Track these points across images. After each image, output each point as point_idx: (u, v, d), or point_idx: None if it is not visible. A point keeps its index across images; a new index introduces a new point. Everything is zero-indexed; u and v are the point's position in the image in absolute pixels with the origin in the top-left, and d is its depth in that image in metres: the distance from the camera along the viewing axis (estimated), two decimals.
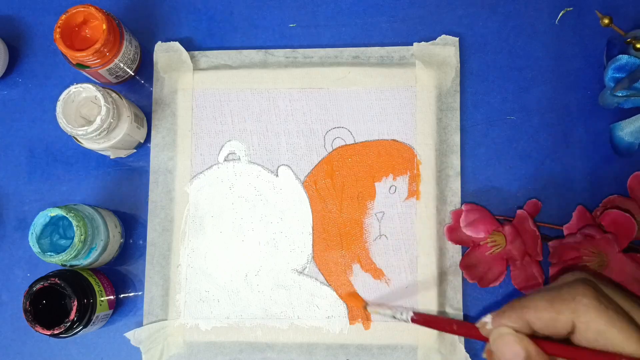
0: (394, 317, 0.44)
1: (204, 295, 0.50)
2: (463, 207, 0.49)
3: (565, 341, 0.34)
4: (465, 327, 0.39)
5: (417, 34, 0.53)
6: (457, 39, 0.52)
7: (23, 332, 0.51)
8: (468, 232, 0.48)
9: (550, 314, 0.33)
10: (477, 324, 0.36)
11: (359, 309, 0.49)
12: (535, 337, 0.34)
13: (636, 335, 0.31)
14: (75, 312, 0.45)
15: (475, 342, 0.49)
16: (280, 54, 0.53)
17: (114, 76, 0.51)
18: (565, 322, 0.33)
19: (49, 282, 0.45)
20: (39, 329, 0.45)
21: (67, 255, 0.45)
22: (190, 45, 0.53)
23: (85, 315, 0.46)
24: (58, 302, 0.46)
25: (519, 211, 0.48)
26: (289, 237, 0.51)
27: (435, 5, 0.53)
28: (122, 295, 0.52)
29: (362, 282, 0.50)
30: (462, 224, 0.48)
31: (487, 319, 0.36)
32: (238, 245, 0.51)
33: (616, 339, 0.31)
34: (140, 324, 0.50)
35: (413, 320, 0.43)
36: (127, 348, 0.50)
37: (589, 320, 0.32)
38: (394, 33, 0.53)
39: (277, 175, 0.51)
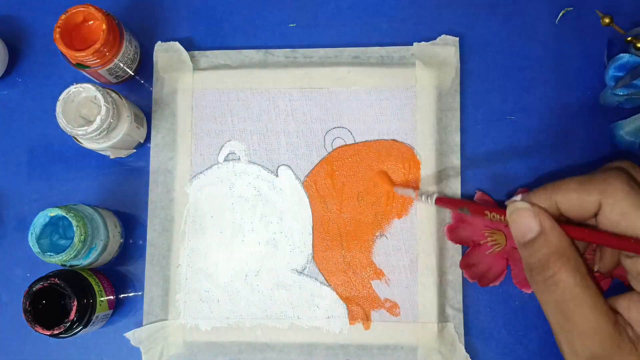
0: (421, 197, 0.46)
1: (204, 295, 0.50)
2: (477, 193, 0.50)
3: (588, 227, 0.33)
4: (492, 208, 0.38)
5: (417, 34, 0.53)
6: (457, 39, 0.52)
7: (23, 332, 0.51)
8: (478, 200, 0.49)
9: (579, 194, 0.32)
10: (507, 202, 0.35)
11: (385, 186, 0.50)
12: (558, 220, 0.33)
13: None
14: (75, 312, 0.45)
15: (476, 342, 0.49)
16: (280, 54, 0.53)
17: (114, 76, 0.51)
18: (592, 202, 0.32)
19: (48, 282, 0.45)
20: (38, 329, 0.45)
21: (67, 255, 0.45)
22: (190, 45, 0.53)
23: (85, 315, 0.46)
24: (58, 302, 0.46)
25: None
26: (289, 237, 0.51)
27: (435, 5, 0.53)
28: (122, 295, 0.52)
29: (362, 282, 0.50)
30: (476, 197, 0.49)
31: (517, 197, 0.35)
32: (238, 245, 0.51)
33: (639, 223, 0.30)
34: (140, 324, 0.50)
35: (437, 203, 0.45)
36: (127, 348, 0.50)
37: (615, 202, 0.31)
38: (394, 33, 0.53)
39: (277, 175, 0.51)
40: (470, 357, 0.48)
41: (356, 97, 0.51)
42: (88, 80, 0.52)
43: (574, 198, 0.32)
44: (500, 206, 0.50)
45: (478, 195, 0.50)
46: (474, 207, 0.40)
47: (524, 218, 0.33)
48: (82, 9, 0.47)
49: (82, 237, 0.45)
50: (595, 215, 0.33)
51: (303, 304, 0.50)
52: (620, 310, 0.32)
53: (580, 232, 0.32)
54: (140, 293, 0.51)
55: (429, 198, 0.46)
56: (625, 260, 0.33)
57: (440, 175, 0.51)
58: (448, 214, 0.50)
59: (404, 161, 0.51)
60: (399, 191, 0.49)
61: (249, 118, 0.52)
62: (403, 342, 0.49)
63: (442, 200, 0.45)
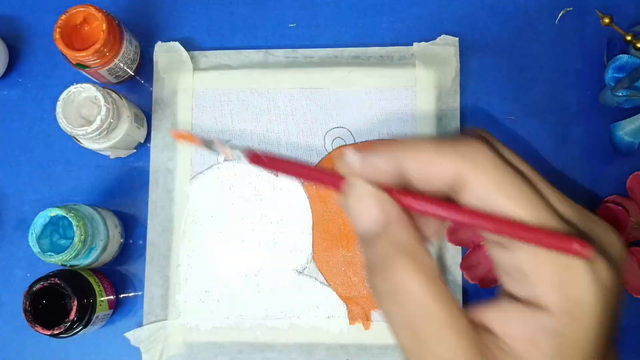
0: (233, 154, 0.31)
1: (204, 295, 0.50)
2: None
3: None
4: (317, 173, 0.29)
5: (417, 34, 0.53)
6: (457, 39, 0.52)
7: (23, 332, 0.51)
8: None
9: (432, 156, 0.24)
10: (336, 156, 0.27)
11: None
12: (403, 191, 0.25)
13: (533, 198, 0.23)
14: (75, 312, 0.45)
15: None
16: (280, 54, 0.53)
17: (114, 76, 0.51)
18: (448, 167, 0.23)
19: (48, 282, 0.45)
20: (38, 329, 0.45)
21: (67, 255, 0.45)
22: (190, 45, 0.53)
23: (85, 315, 0.46)
24: (58, 302, 0.46)
25: None
26: (289, 237, 0.51)
27: (435, 5, 0.53)
28: (122, 295, 0.52)
29: (362, 282, 0.50)
30: None
31: (351, 153, 0.26)
32: (238, 245, 0.51)
33: (509, 198, 0.22)
34: (140, 324, 0.50)
35: (252, 161, 0.30)
36: (127, 348, 0.50)
37: (482, 173, 0.23)
38: (394, 33, 0.53)
39: (277, 175, 0.51)
40: None
41: (356, 97, 0.51)
42: (88, 80, 0.52)
43: (426, 161, 0.24)
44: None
45: None
46: (294, 170, 0.29)
47: (366, 206, 0.25)
48: (82, 9, 0.47)
49: (82, 237, 0.45)
50: (452, 190, 0.24)
51: (303, 304, 0.50)
52: (488, 324, 0.24)
53: (434, 206, 0.24)
54: (140, 293, 0.51)
55: (237, 155, 0.30)
56: (495, 250, 0.25)
57: None
58: None
59: None
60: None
61: (249, 118, 0.52)
62: None
63: (255, 160, 0.29)
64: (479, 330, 0.24)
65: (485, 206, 0.23)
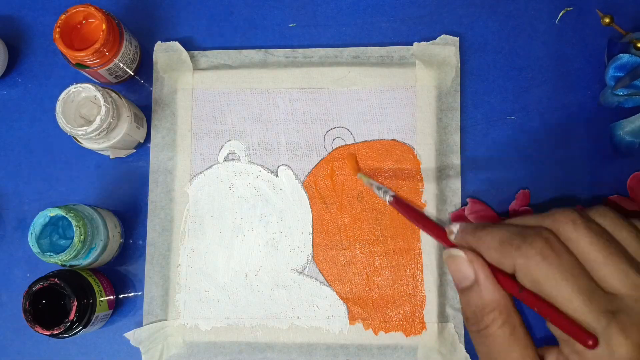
0: (378, 191, 0.44)
1: (204, 295, 0.50)
2: (468, 200, 0.49)
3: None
4: (434, 228, 0.36)
5: (417, 34, 0.53)
6: (457, 38, 0.52)
7: (23, 332, 0.51)
8: (472, 220, 0.48)
9: (497, 255, 0.31)
10: (446, 229, 0.35)
11: (350, 169, 0.49)
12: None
13: (571, 290, 0.29)
14: (75, 312, 0.45)
15: None
16: (280, 53, 0.53)
17: (114, 76, 0.51)
18: (508, 266, 0.31)
19: (48, 282, 0.45)
20: (38, 329, 0.45)
21: (67, 256, 0.45)
22: (190, 45, 0.53)
23: (85, 316, 0.46)
24: (58, 302, 0.46)
25: (521, 209, 0.48)
26: (289, 237, 0.51)
27: (435, 5, 0.53)
28: (121, 295, 0.52)
29: (362, 282, 0.50)
30: (467, 212, 0.48)
31: (455, 228, 0.34)
32: (238, 245, 0.51)
33: (552, 289, 0.29)
34: (140, 324, 0.50)
35: (391, 203, 0.42)
36: (127, 348, 0.50)
37: (525, 271, 0.30)
38: (394, 33, 0.53)
39: (277, 175, 0.51)
40: (470, 357, 0.48)
41: (356, 97, 0.51)
42: (88, 80, 0.52)
43: (494, 257, 0.31)
44: (505, 214, 0.50)
45: (470, 202, 0.49)
46: (424, 224, 0.37)
47: (460, 265, 0.32)
48: (82, 8, 0.47)
49: (82, 237, 0.45)
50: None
51: (303, 304, 0.50)
52: None
53: (510, 286, 0.31)
54: (140, 293, 0.51)
55: (386, 195, 0.43)
56: (550, 324, 0.31)
57: (440, 175, 0.51)
58: (448, 214, 0.50)
59: (404, 161, 0.51)
60: (361, 177, 0.48)
61: (248, 118, 0.52)
62: (403, 342, 0.49)
63: (399, 203, 0.42)
64: None
65: (534, 289, 0.30)
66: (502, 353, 0.31)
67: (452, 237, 0.34)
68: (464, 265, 0.32)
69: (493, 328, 0.31)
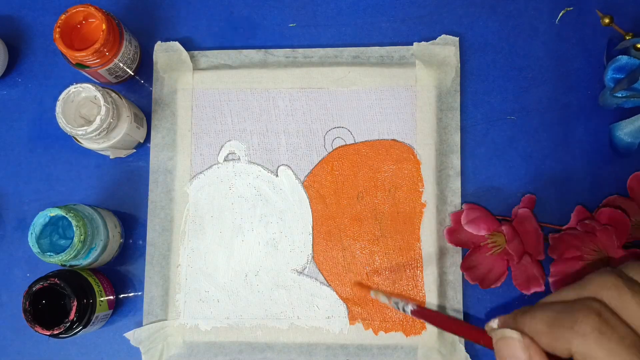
0: (396, 306, 0.44)
1: (204, 295, 0.50)
2: (464, 207, 0.49)
3: None
4: (467, 328, 0.36)
5: (417, 34, 0.53)
6: (457, 38, 0.52)
7: (23, 332, 0.51)
8: (469, 229, 0.48)
9: (549, 340, 0.30)
10: (486, 327, 0.34)
11: (364, 293, 0.49)
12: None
13: None
14: (75, 312, 0.45)
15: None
16: (280, 53, 0.53)
17: (114, 76, 0.51)
18: (563, 350, 0.29)
19: (48, 282, 0.45)
20: (38, 329, 0.45)
21: (67, 256, 0.45)
22: (190, 45, 0.53)
23: (85, 316, 0.46)
24: (58, 302, 0.46)
25: (520, 210, 0.48)
26: (289, 237, 0.51)
27: (435, 5, 0.53)
28: (121, 295, 0.52)
29: (362, 282, 0.50)
30: (463, 222, 0.48)
31: (494, 324, 0.33)
32: (238, 245, 0.51)
33: None
34: (140, 324, 0.50)
35: (413, 313, 0.43)
36: (127, 348, 0.50)
37: (585, 352, 0.28)
38: (394, 33, 0.53)
39: (277, 175, 0.51)
40: (470, 357, 0.48)
41: (356, 97, 0.51)
42: (88, 80, 0.52)
43: (544, 343, 0.30)
44: (506, 212, 0.50)
45: (465, 208, 0.49)
46: (449, 325, 0.37)
47: (514, 350, 0.30)
48: (82, 8, 0.47)
49: (82, 237, 0.45)
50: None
51: (303, 304, 0.50)
52: None
53: None
54: (140, 293, 0.51)
55: (407, 307, 0.43)
56: None
57: (440, 175, 0.51)
58: (448, 214, 0.50)
59: (404, 161, 0.51)
60: (376, 295, 0.47)
61: (248, 118, 0.52)
62: (403, 342, 0.49)
63: (419, 313, 0.42)
64: None
65: None
66: None
67: (493, 335, 0.32)
68: (519, 350, 0.30)
69: None
